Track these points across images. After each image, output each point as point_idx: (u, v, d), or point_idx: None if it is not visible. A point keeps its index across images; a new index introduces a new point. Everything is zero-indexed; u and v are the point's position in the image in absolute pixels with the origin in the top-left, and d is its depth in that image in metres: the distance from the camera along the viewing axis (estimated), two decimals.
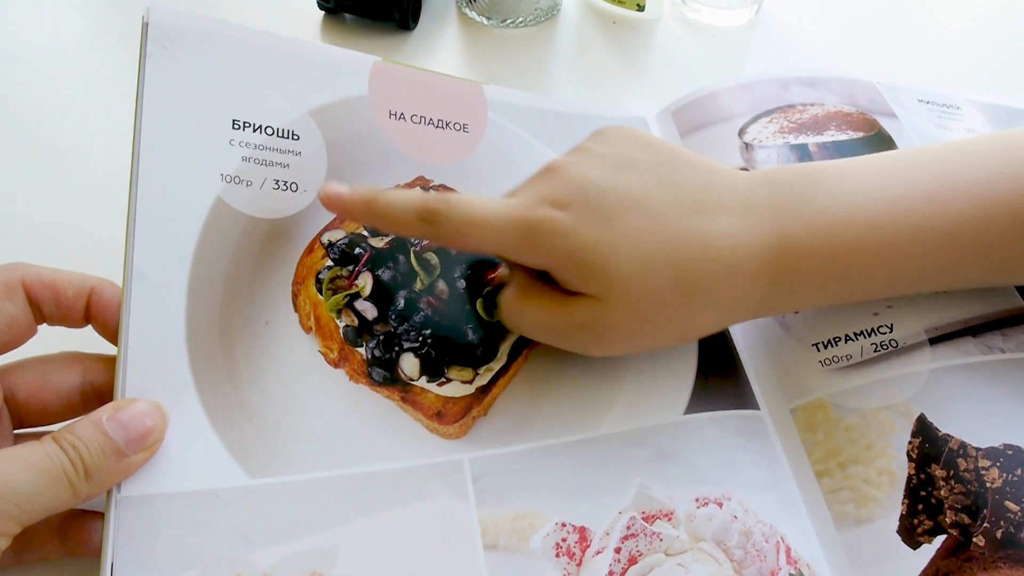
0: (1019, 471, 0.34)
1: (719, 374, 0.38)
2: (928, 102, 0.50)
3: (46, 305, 0.33)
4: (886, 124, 0.47)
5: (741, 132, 0.45)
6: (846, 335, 0.38)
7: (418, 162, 0.40)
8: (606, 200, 0.33)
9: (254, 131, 0.36)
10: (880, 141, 0.46)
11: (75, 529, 0.32)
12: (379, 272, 0.37)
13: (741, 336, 0.39)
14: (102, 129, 0.51)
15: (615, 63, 0.59)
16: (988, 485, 0.33)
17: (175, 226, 0.34)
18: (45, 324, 0.34)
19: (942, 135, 0.48)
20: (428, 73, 0.42)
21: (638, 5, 0.61)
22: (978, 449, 0.34)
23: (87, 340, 0.34)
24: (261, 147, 0.36)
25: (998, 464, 0.34)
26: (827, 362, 0.38)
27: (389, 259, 0.38)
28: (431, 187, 0.40)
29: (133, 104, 0.34)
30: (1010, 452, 0.34)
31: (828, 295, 0.35)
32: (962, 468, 0.34)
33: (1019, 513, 0.33)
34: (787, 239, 0.34)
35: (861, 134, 0.46)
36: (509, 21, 0.60)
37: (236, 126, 0.36)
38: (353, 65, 0.39)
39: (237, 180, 0.35)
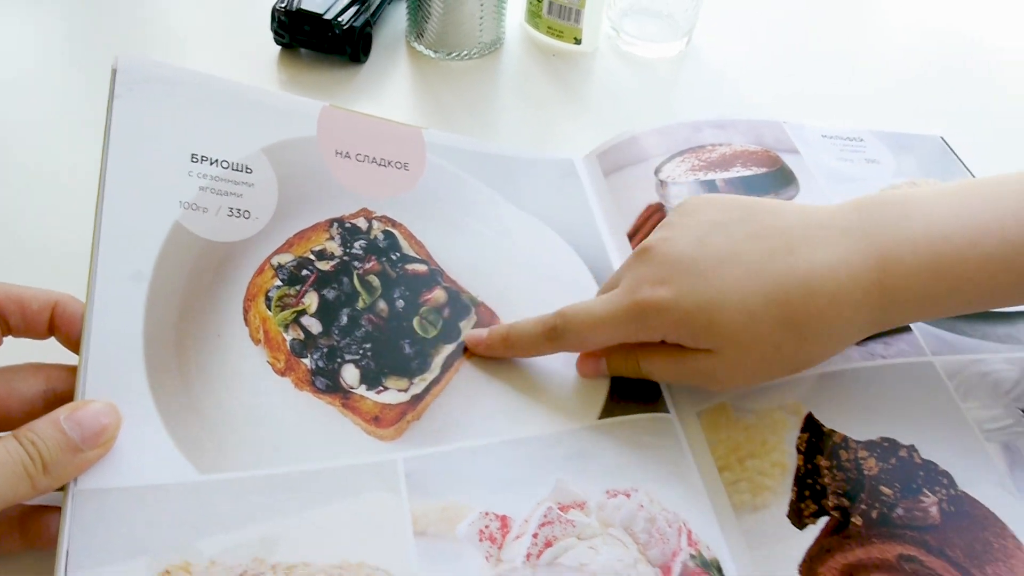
0: (893, 460, 0.38)
1: (634, 383, 0.42)
2: (831, 137, 0.56)
3: (12, 317, 0.36)
4: (789, 160, 0.53)
5: (657, 171, 0.50)
6: None
7: (362, 196, 0.44)
8: (699, 265, 0.37)
9: (211, 164, 0.40)
10: (782, 176, 0.51)
11: (34, 522, 0.35)
12: (324, 292, 0.41)
13: None
14: (70, 158, 0.54)
15: (554, 93, 0.64)
16: (866, 473, 0.37)
17: (136, 246, 0.37)
18: (11, 336, 0.37)
19: (843, 167, 0.54)
20: (371, 118, 0.46)
21: (575, 39, 0.66)
22: (858, 442, 0.39)
23: (51, 354, 0.37)
24: (217, 179, 0.40)
25: (875, 455, 0.38)
26: None
27: (334, 280, 0.42)
28: (374, 217, 0.44)
29: (101, 137, 0.38)
30: (886, 444, 0.39)
31: (933, 309, 0.37)
32: (844, 458, 0.38)
33: (892, 496, 0.37)
34: (887, 260, 0.36)
35: (765, 169, 0.51)
36: (455, 54, 0.65)
37: (195, 159, 0.40)
38: (303, 109, 0.44)
39: (195, 207, 0.39)
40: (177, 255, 0.38)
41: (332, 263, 0.42)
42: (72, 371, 0.36)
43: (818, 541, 0.36)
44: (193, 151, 0.40)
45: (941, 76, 0.70)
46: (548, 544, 0.35)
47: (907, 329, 0.44)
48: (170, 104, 0.40)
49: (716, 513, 0.38)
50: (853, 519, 0.36)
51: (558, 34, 0.67)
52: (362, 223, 0.44)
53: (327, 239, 0.43)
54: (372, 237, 0.44)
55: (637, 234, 0.48)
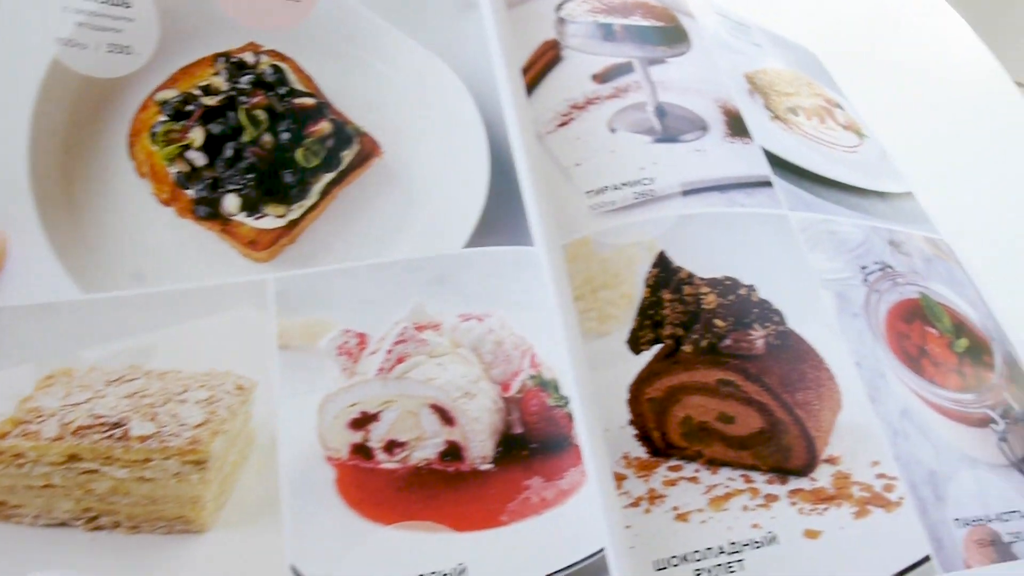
0: (732, 296, 0.40)
1: (505, 215, 0.44)
2: (724, 16, 0.55)
3: None
4: (684, 21, 0.52)
5: (558, 7, 0.50)
6: (614, 184, 0.44)
7: (250, 29, 0.45)
8: None
9: None
10: (676, 32, 0.51)
11: None
12: (210, 126, 0.43)
13: (528, 180, 0.45)
14: None
15: None
16: (704, 306, 0.40)
17: (13, 85, 0.39)
18: None
19: (731, 41, 0.54)
20: None
21: None
22: (702, 279, 0.41)
23: None
24: (94, 14, 0.41)
25: (716, 291, 0.40)
26: (596, 207, 0.44)
27: (220, 115, 0.43)
28: (262, 51, 0.45)
29: None
30: (728, 282, 0.41)
31: None
32: (686, 292, 0.40)
33: (724, 328, 0.39)
34: None
35: (661, 24, 0.50)
36: None
37: None
38: None
39: (72, 43, 0.41)
40: (57, 93, 0.40)
41: (218, 98, 0.44)
42: None
43: (649, 365, 0.39)
44: None
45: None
46: (400, 360, 0.39)
47: (768, 184, 0.45)
48: None
49: (567, 339, 0.41)
50: (684, 347, 0.39)
51: None
52: (249, 57, 0.45)
53: (212, 74, 0.44)
54: (260, 71, 0.45)
55: (530, 69, 0.48)
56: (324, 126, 0.45)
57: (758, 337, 0.39)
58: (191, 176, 0.42)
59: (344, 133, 0.45)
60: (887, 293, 0.43)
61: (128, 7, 0.42)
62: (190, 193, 0.42)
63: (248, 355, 0.38)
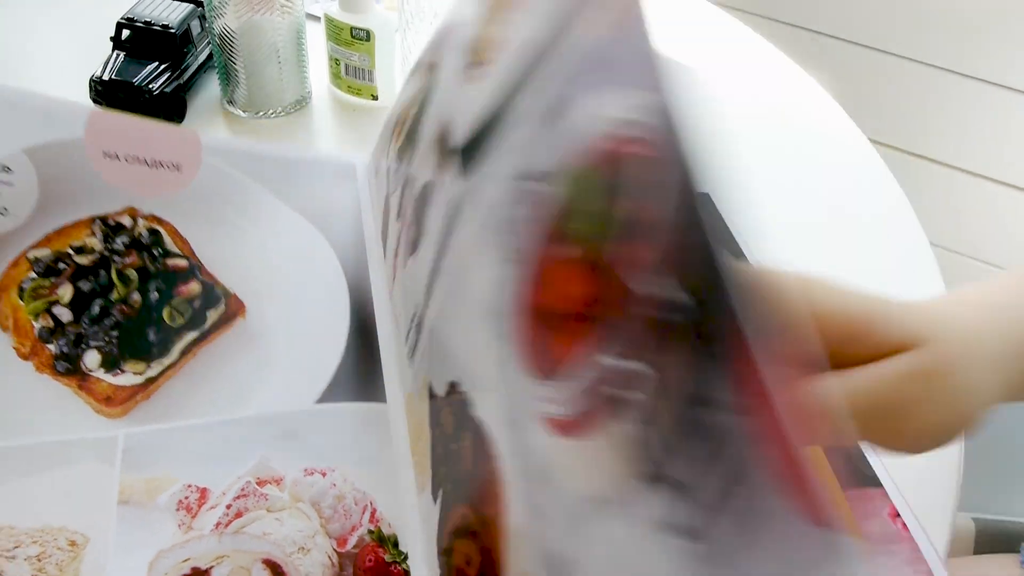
0: None
1: (360, 371, 0.46)
2: None
3: None
4: None
5: None
6: None
7: (131, 195, 0.49)
8: None
9: None
10: None
11: None
12: (79, 283, 0.45)
13: (388, 340, 0.47)
14: None
15: (356, 143, 0.70)
16: None
17: None
18: None
19: None
20: (144, 120, 0.50)
21: (372, 96, 0.73)
22: None
23: None
24: None
25: None
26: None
27: (91, 273, 0.46)
28: (140, 215, 0.48)
29: None
30: None
31: None
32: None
33: None
34: None
35: None
36: (263, 113, 0.70)
37: None
38: (69, 111, 0.47)
39: None
40: None
41: (91, 257, 0.46)
42: None
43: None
44: None
45: None
46: (239, 515, 0.40)
47: None
48: None
49: (410, 492, 0.43)
50: None
51: (357, 92, 0.73)
52: (127, 220, 0.48)
53: (88, 235, 0.47)
54: (136, 234, 0.48)
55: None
56: (193, 287, 0.47)
57: None
58: (54, 331, 0.44)
59: (212, 294, 0.47)
60: None
61: (9, 172, 0.45)
62: (51, 348, 0.43)
63: (86, 510, 0.39)
